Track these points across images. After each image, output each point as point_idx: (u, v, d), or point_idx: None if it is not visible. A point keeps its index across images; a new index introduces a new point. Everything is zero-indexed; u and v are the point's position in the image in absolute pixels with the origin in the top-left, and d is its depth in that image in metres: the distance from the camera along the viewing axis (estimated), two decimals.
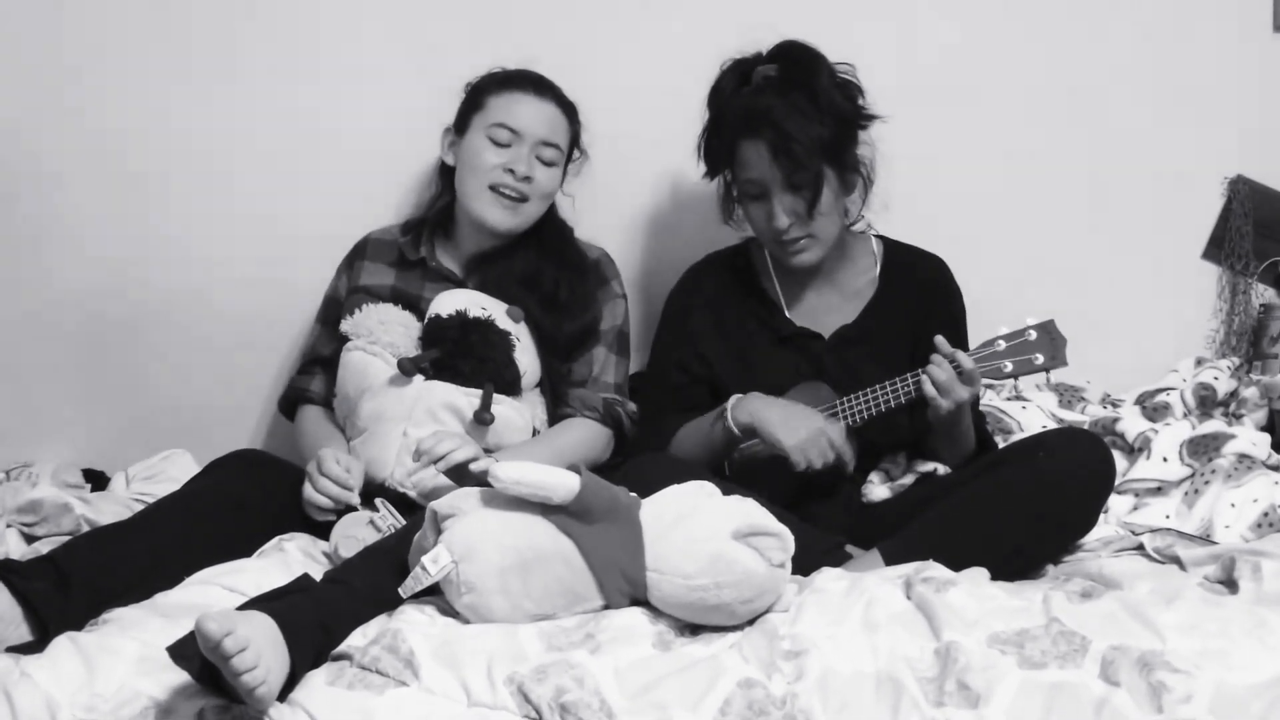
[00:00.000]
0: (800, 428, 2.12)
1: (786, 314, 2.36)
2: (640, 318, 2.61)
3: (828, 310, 2.37)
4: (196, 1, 2.65)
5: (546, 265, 2.39)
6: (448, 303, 2.29)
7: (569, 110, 2.43)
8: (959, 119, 2.72)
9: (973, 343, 2.25)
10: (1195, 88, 2.75)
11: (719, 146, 2.29)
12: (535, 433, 2.32)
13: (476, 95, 2.42)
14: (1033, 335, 2.15)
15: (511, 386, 2.27)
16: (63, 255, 2.69)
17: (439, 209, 2.48)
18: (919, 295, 2.36)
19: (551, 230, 2.45)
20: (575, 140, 2.46)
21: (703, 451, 2.23)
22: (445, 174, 2.46)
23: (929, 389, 2.12)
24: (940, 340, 2.14)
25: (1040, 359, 2.14)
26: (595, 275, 2.45)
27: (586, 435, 2.35)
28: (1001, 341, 2.16)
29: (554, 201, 2.46)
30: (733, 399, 2.20)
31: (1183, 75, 2.74)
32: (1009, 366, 2.15)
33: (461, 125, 2.41)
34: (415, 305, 2.35)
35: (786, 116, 2.18)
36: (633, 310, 2.53)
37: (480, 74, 2.45)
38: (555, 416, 2.37)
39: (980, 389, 2.19)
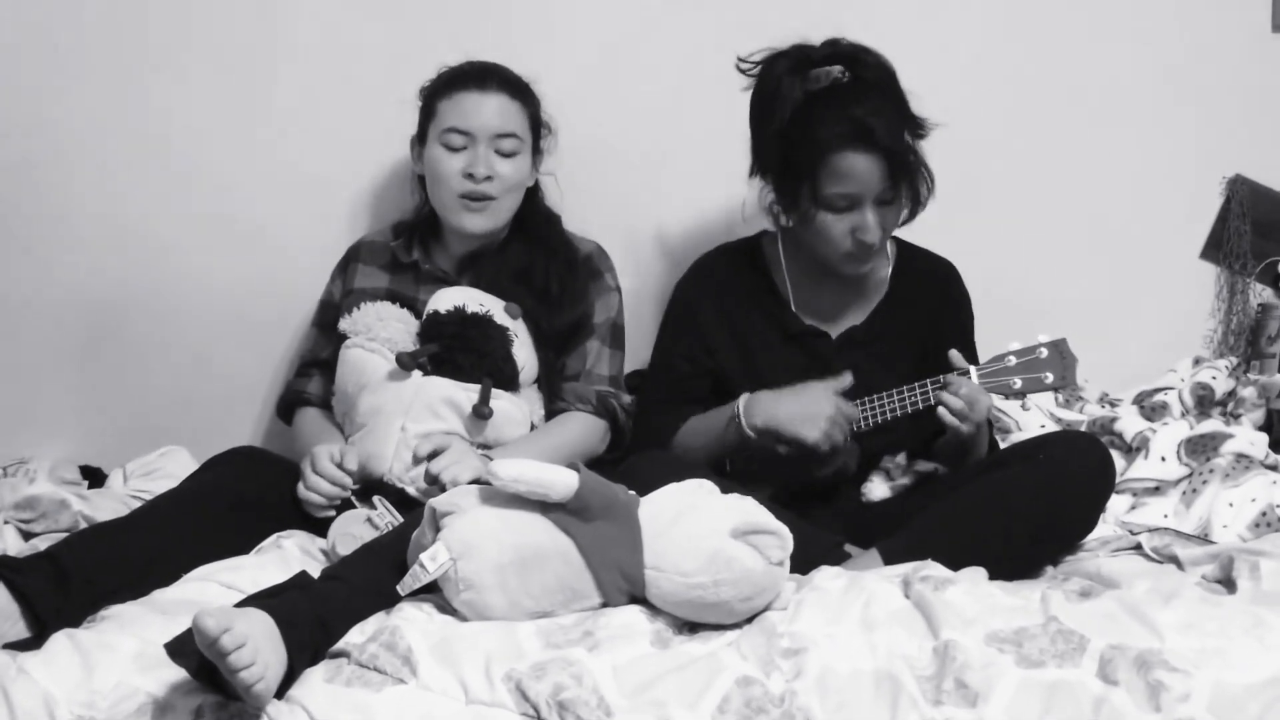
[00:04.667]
0: (818, 417, 2.11)
1: (794, 311, 2.35)
2: (636, 314, 2.59)
3: (837, 309, 2.35)
4: (199, 5, 2.66)
5: (537, 258, 2.38)
6: (446, 299, 2.29)
7: (520, 93, 2.38)
8: (957, 117, 2.70)
9: (981, 352, 2.21)
10: (1194, 87, 2.75)
11: (803, 153, 2.15)
12: (533, 428, 2.31)
13: (428, 102, 2.40)
14: (1044, 353, 2.10)
15: (510, 382, 2.27)
16: (61, 252, 2.69)
17: (425, 215, 2.47)
18: (929, 300, 2.35)
19: (537, 220, 2.44)
20: (536, 121, 2.41)
21: (711, 448, 2.22)
22: (423, 182, 2.44)
23: (949, 420, 2.09)
24: (954, 355, 2.12)
25: (1050, 378, 2.10)
26: (587, 268, 2.43)
27: (582, 429, 2.35)
28: (1012, 358, 2.11)
29: (537, 188, 2.46)
30: (742, 401, 2.18)
31: (1182, 75, 2.74)
32: (1018, 383, 2.10)
33: (422, 135, 2.40)
34: (411, 307, 2.34)
35: (891, 130, 2.13)
36: (631, 307, 2.52)
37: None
38: (551, 411, 2.36)
39: (990, 403, 2.14)
